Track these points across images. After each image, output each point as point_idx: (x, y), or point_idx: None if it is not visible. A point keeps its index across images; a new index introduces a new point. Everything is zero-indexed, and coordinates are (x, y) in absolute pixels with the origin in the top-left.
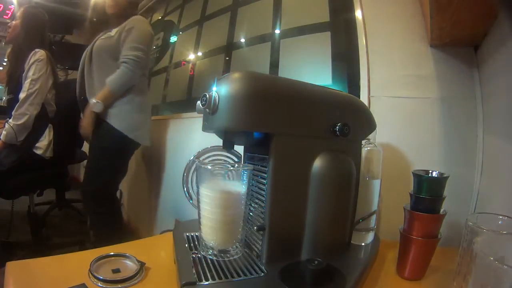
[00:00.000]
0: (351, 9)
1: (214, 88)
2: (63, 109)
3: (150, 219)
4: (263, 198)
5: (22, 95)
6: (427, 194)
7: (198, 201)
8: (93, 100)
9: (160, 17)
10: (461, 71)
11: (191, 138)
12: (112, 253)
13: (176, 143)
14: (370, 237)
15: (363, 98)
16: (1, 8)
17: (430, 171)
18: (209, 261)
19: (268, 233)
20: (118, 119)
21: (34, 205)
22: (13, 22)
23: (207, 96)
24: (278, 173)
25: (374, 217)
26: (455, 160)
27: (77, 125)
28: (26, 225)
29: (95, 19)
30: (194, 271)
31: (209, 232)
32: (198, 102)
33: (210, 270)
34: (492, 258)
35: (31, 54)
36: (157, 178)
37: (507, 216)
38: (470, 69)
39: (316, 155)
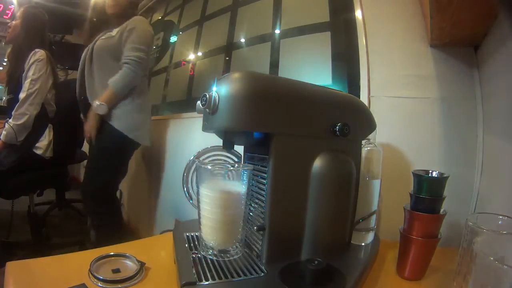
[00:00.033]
0: (351, 9)
1: (214, 88)
2: (63, 109)
3: (150, 219)
4: (263, 198)
5: (22, 95)
6: (427, 194)
7: (198, 201)
8: (96, 102)
9: (160, 17)
10: (461, 71)
11: (191, 138)
12: (112, 253)
13: (176, 143)
14: (370, 237)
15: (363, 98)
16: (1, 8)
17: (430, 171)
18: (209, 261)
19: (268, 233)
20: (119, 119)
21: (34, 205)
22: (13, 22)
23: (207, 96)
24: (278, 173)
25: (374, 217)
26: (455, 160)
27: (77, 125)
28: (26, 225)
29: (95, 19)
30: (194, 271)
31: (209, 232)
32: (198, 102)
33: (210, 270)
34: (492, 258)
35: (31, 54)
36: (157, 178)
37: (507, 216)
38: (470, 69)
39: (316, 155)
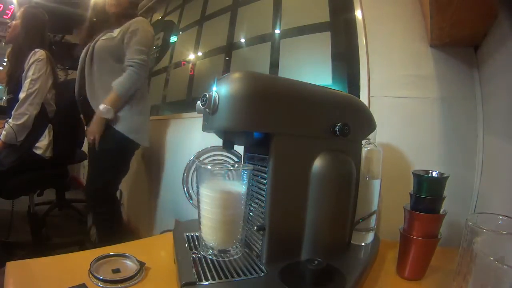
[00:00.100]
0: (351, 9)
1: (214, 88)
2: (63, 109)
3: (150, 219)
4: (263, 198)
5: (21, 95)
6: (427, 194)
7: (198, 201)
8: (102, 106)
9: (160, 17)
10: (461, 71)
11: (191, 138)
12: (112, 253)
13: (176, 143)
14: (370, 237)
15: (363, 98)
16: (1, 8)
17: (430, 171)
18: (209, 261)
19: (268, 233)
20: (121, 121)
21: (34, 205)
22: (13, 22)
23: (207, 96)
24: (278, 173)
25: (374, 217)
26: (455, 160)
27: (77, 125)
28: (26, 225)
29: (95, 19)
30: (194, 271)
31: (209, 232)
32: (198, 102)
33: (210, 270)
34: (492, 258)
35: (31, 54)
36: (157, 178)
37: (507, 216)
38: (470, 69)
39: (316, 155)
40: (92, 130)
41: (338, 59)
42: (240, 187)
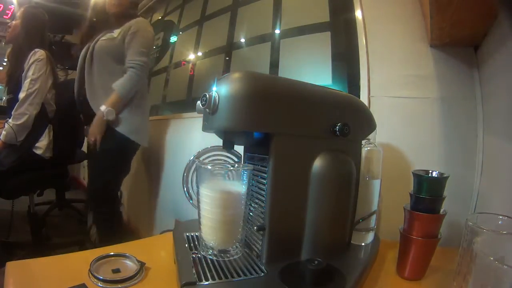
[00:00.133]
0: (351, 9)
1: (214, 88)
2: (63, 109)
3: (150, 219)
4: (263, 198)
5: (21, 95)
6: (427, 194)
7: (198, 201)
8: (103, 107)
9: (160, 17)
10: (461, 71)
11: (191, 138)
12: (112, 253)
13: (176, 143)
14: (370, 237)
15: (363, 98)
16: (1, 8)
17: (430, 171)
18: (209, 261)
19: (268, 233)
20: (122, 122)
21: (34, 205)
22: (13, 22)
23: (207, 96)
24: (278, 173)
25: (374, 217)
26: (455, 160)
27: (77, 125)
28: (26, 225)
29: (94, 19)
30: (194, 271)
31: (209, 232)
32: (198, 102)
33: (210, 270)
34: (492, 258)
35: (30, 54)
36: (157, 178)
37: (507, 216)
38: (470, 69)
39: (316, 155)
40: (93, 132)
41: (338, 59)
42: (240, 187)
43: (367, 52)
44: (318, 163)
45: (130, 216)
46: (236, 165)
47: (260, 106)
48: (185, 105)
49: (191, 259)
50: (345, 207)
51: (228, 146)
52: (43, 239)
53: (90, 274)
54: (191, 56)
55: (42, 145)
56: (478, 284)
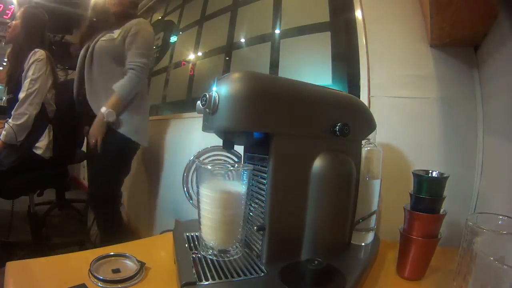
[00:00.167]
0: (351, 9)
1: (214, 88)
2: (63, 109)
3: (150, 219)
4: (263, 198)
5: (21, 95)
6: (427, 194)
7: (198, 201)
8: (103, 109)
9: (160, 17)
10: (461, 71)
11: (191, 138)
12: (112, 253)
13: (176, 143)
14: (370, 237)
15: (363, 98)
16: (1, 8)
17: (430, 171)
18: (209, 261)
19: (268, 233)
20: (122, 123)
21: (34, 205)
22: (13, 22)
23: (207, 96)
24: (278, 173)
25: (374, 217)
26: (455, 160)
27: (77, 125)
28: (26, 225)
29: (94, 19)
30: (194, 271)
31: (209, 232)
32: (198, 102)
33: (210, 270)
34: (492, 258)
35: (30, 54)
36: (157, 178)
37: (507, 216)
38: (470, 69)
39: (316, 155)
40: (94, 133)
41: (338, 59)
42: (240, 187)
43: (367, 52)
44: (318, 163)
45: (130, 216)
46: (236, 165)
47: (260, 106)
48: (185, 105)
49: (191, 259)
50: (345, 207)
51: (228, 146)
52: (43, 239)
53: (90, 274)
54: (191, 56)
55: (42, 145)
56: (478, 284)
